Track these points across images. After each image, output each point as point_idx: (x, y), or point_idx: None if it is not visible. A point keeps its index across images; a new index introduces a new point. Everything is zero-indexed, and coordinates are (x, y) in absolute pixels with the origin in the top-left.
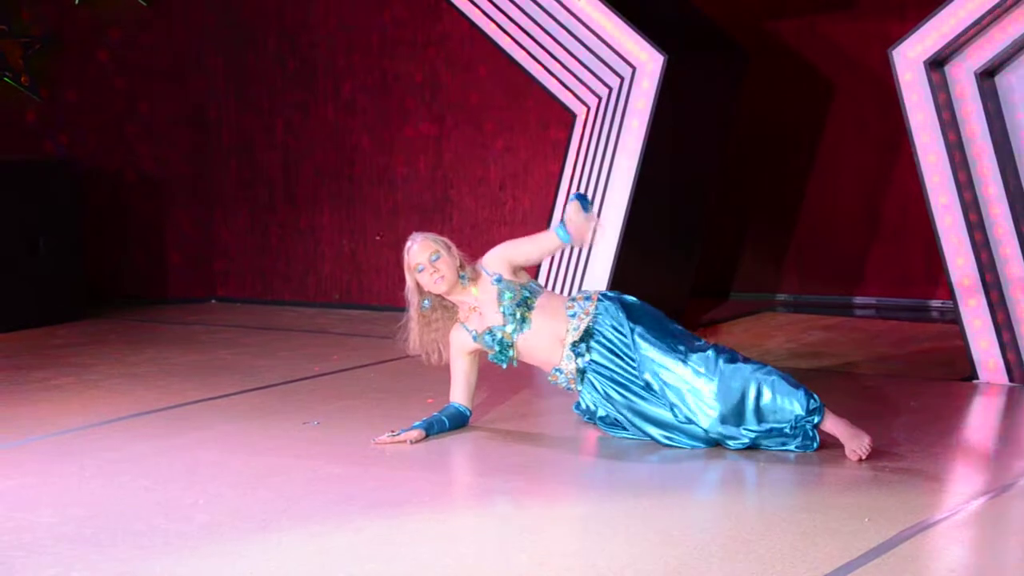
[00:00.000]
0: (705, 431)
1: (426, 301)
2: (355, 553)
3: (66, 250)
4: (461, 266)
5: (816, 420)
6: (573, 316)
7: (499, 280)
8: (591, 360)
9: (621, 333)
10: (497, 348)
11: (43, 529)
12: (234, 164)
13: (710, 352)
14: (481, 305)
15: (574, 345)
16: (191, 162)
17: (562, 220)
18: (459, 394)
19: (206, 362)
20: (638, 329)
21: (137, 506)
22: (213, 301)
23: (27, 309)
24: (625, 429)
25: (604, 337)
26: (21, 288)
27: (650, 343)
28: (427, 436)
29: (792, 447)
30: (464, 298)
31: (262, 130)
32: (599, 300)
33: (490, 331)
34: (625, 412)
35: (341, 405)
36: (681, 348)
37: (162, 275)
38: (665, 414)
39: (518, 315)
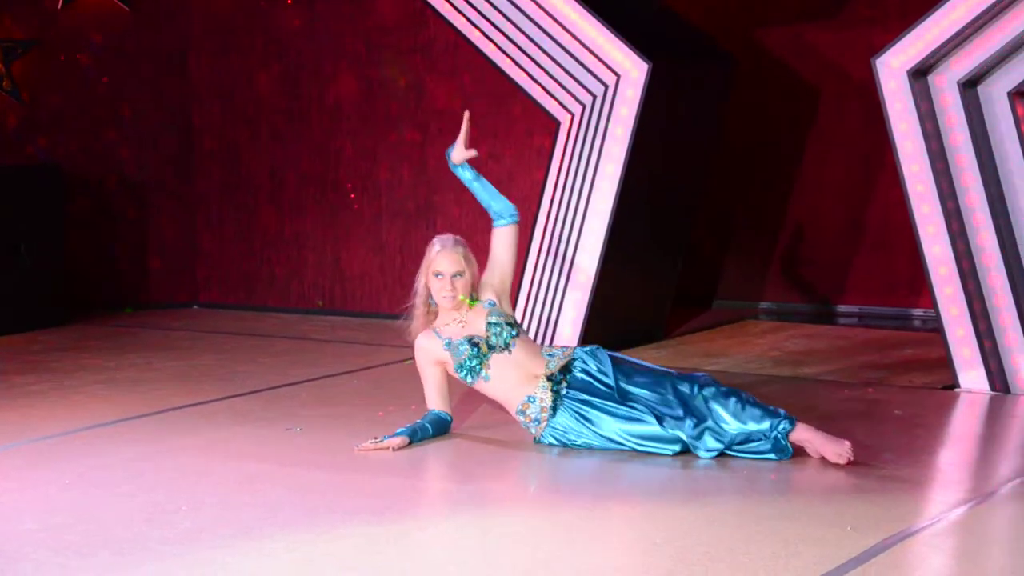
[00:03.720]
0: (681, 438)
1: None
2: (337, 560)
3: (47, 255)
4: (472, 286)
5: (787, 428)
6: (551, 356)
7: (492, 304)
8: (567, 388)
9: (600, 368)
10: (474, 359)
11: (24, 536)
12: (217, 170)
13: (694, 376)
14: (467, 322)
15: (550, 376)
16: (174, 168)
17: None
18: (437, 401)
19: (189, 368)
20: (619, 367)
21: (119, 513)
22: (195, 307)
23: (7, 315)
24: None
25: (581, 371)
26: (1, 293)
27: (630, 372)
28: (411, 443)
29: (767, 454)
30: (455, 314)
31: (246, 136)
32: (576, 349)
33: (471, 338)
34: (600, 426)
35: (324, 412)
36: (663, 376)
37: (144, 281)
38: (642, 427)
39: (503, 334)
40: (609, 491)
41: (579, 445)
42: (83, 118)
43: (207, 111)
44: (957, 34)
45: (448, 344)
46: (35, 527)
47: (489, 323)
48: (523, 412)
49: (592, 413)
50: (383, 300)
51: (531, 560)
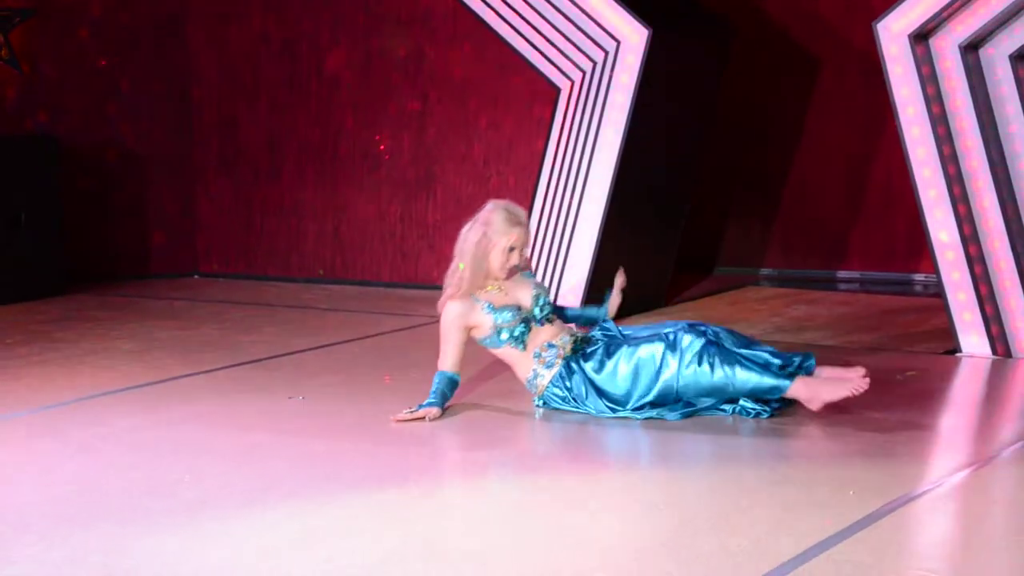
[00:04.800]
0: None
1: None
2: (341, 529)
3: (48, 226)
4: None
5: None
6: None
7: (531, 275)
8: (588, 345)
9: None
10: (521, 329)
11: (26, 506)
12: (217, 141)
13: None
14: (506, 288)
15: (573, 333)
16: (174, 139)
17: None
18: (455, 363)
19: (190, 337)
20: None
21: (121, 483)
22: (196, 276)
23: (8, 285)
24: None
25: (596, 336)
26: (2, 264)
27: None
28: (443, 412)
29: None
30: (492, 280)
31: (245, 107)
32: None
33: (517, 307)
34: (602, 363)
35: (326, 381)
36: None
37: (144, 252)
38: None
39: (547, 308)
40: (611, 457)
41: (577, 403)
42: (82, 90)
43: (206, 82)
44: None
45: (490, 307)
46: (37, 496)
47: (535, 295)
48: (539, 355)
49: (597, 356)
50: (383, 269)
51: (535, 525)
